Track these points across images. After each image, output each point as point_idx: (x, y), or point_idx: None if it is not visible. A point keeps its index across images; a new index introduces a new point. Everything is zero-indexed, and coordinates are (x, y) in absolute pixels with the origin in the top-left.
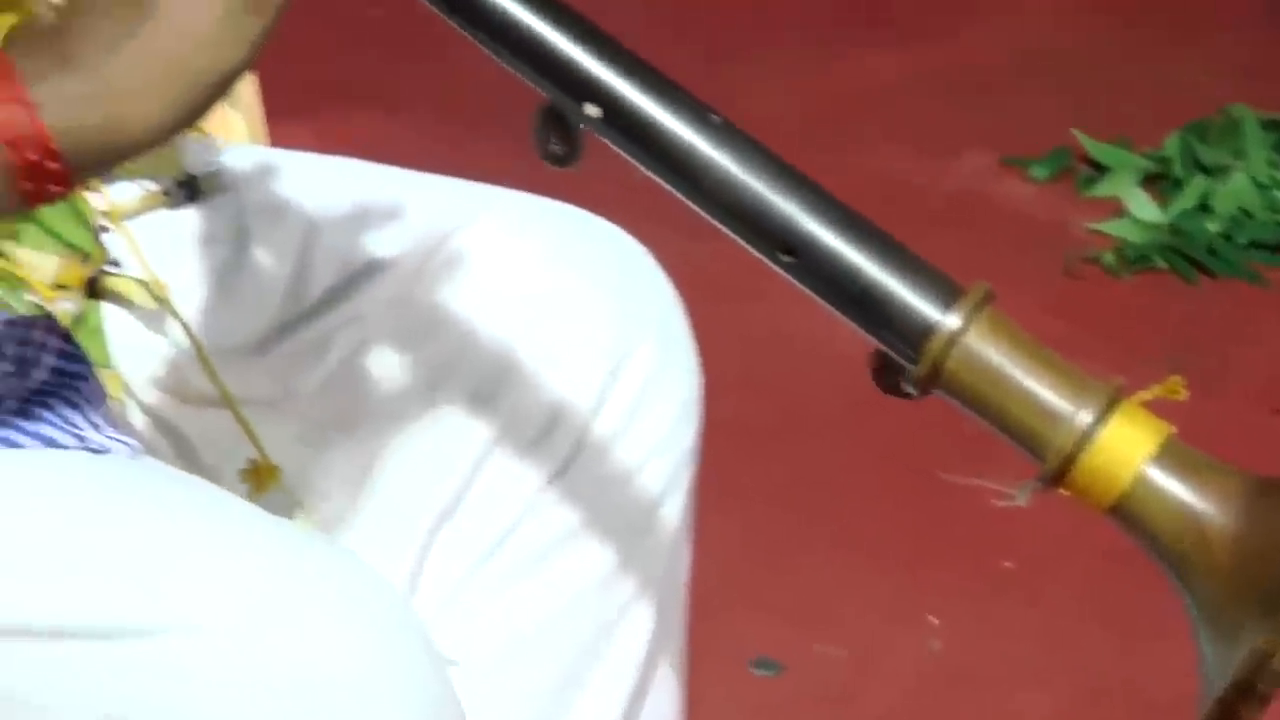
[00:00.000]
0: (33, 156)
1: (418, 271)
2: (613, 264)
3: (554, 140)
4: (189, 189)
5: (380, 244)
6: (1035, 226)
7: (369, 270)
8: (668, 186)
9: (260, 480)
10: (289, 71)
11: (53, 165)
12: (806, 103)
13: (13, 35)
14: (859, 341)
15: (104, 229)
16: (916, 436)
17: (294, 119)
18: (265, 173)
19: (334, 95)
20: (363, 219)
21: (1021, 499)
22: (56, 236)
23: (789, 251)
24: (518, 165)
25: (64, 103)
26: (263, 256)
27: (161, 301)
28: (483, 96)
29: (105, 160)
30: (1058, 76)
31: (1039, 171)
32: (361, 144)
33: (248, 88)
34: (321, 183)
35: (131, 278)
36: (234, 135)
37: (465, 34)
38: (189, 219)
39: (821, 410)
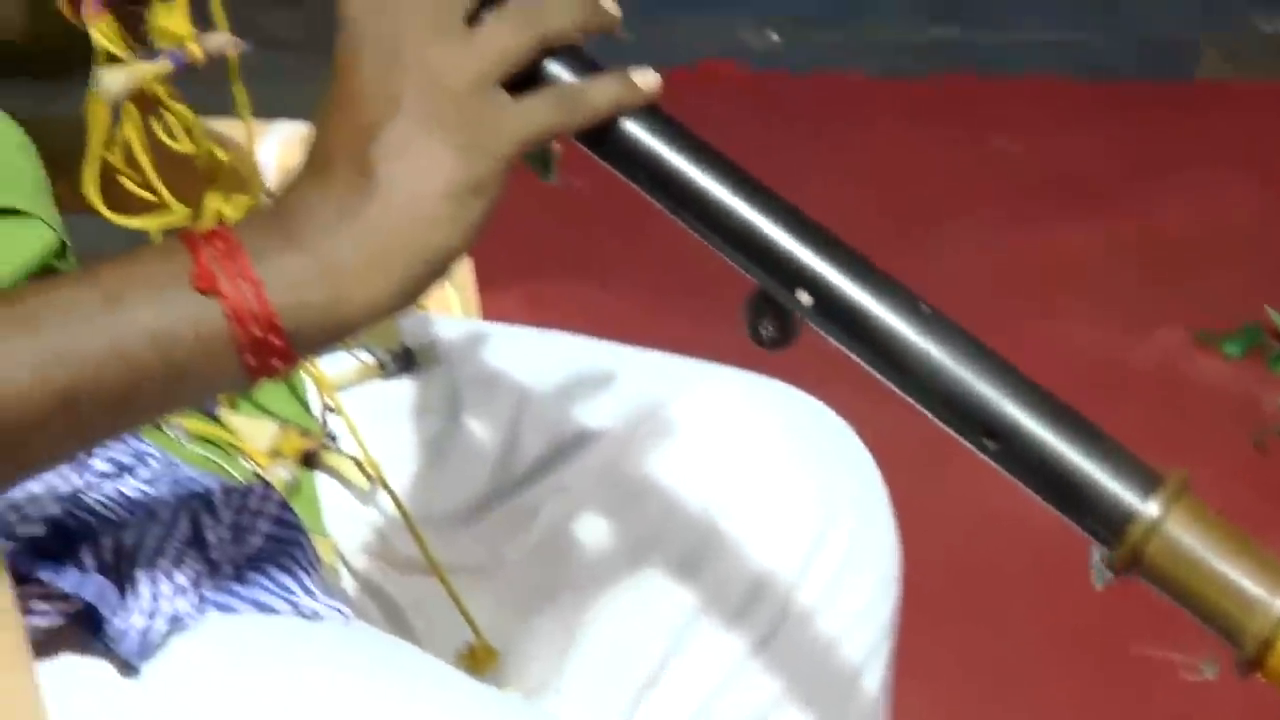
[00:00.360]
0: (258, 333)
1: (624, 444)
2: (815, 439)
3: (767, 325)
4: (404, 360)
5: (588, 416)
6: (1226, 402)
7: (577, 441)
8: (876, 374)
9: (479, 663)
10: (497, 242)
11: (277, 342)
12: (1000, 272)
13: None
14: (1052, 516)
15: (328, 408)
16: (1108, 609)
17: (502, 289)
18: (477, 344)
19: (540, 266)
20: (571, 392)
21: (1210, 672)
22: (270, 413)
23: (993, 439)
24: (718, 336)
25: (288, 281)
26: (475, 427)
27: (376, 481)
28: (684, 268)
29: (328, 337)
30: (1249, 252)
31: (1231, 348)
32: (566, 314)
33: (461, 262)
34: (531, 355)
35: (347, 455)
36: (448, 307)
37: (676, 219)
38: (404, 389)
39: (1015, 583)
